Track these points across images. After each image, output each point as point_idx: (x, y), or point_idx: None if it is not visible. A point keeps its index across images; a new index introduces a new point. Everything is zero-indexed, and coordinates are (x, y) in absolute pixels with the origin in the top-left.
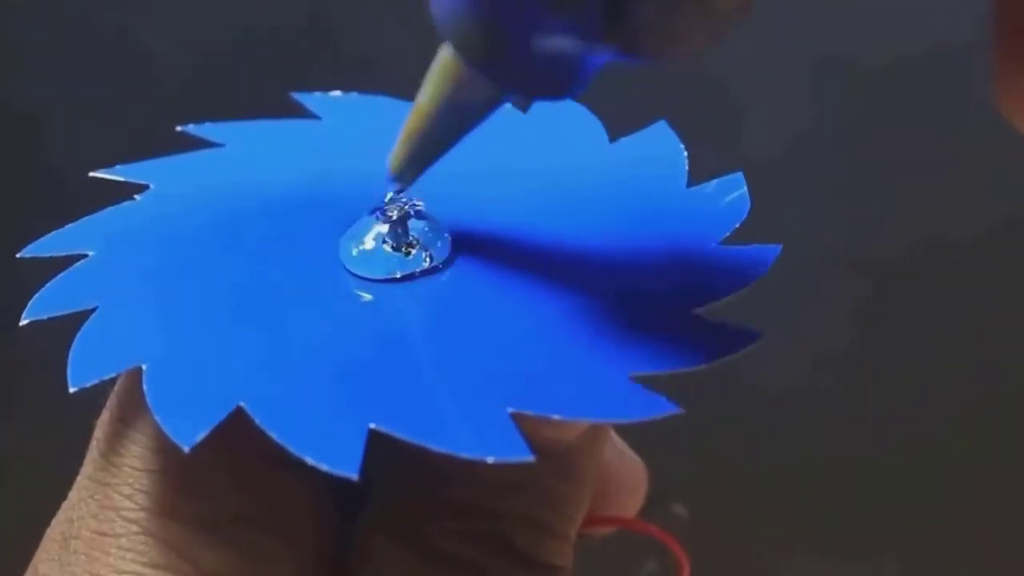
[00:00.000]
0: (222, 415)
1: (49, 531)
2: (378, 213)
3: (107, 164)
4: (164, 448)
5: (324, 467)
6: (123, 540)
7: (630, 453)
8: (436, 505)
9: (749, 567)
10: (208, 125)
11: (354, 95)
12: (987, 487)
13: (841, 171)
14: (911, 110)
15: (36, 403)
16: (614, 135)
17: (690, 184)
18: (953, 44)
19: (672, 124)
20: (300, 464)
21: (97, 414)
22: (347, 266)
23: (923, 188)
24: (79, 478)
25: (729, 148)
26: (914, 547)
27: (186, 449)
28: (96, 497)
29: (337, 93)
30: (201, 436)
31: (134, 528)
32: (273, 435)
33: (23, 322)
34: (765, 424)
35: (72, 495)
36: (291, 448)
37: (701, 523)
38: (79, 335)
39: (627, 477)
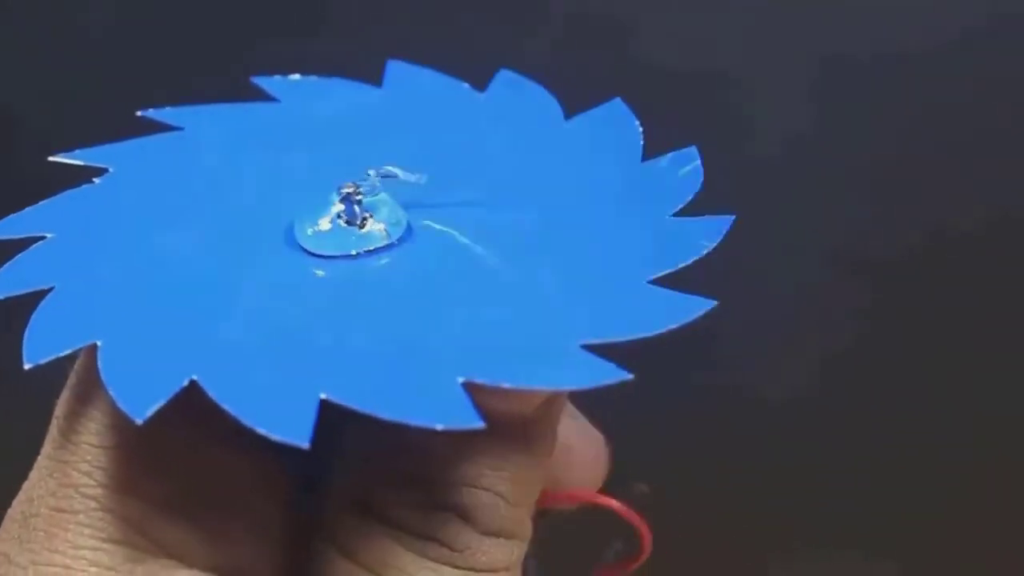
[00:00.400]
0: (175, 388)
1: (10, 511)
2: (335, 192)
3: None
4: (121, 425)
5: (276, 437)
6: (81, 516)
7: (592, 429)
8: (393, 477)
9: (721, 551)
10: (168, 109)
11: (312, 78)
12: (988, 487)
13: (841, 170)
14: (912, 108)
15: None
16: None
17: (645, 159)
18: (954, 42)
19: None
20: (256, 437)
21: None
22: (303, 244)
23: (923, 187)
24: (39, 458)
25: (728, 147)
26: (904, 540)
27: (139, 422)
28: (55, 475)
29: (296, 76)
30: (154, 409)
31: (92, 504)
32: (225, 407)
33: None
34: (748, 416)
35: (32, 475)
36: (243, 419)
37: (667, 505)
38: (35, 313)
39: (588, 452)
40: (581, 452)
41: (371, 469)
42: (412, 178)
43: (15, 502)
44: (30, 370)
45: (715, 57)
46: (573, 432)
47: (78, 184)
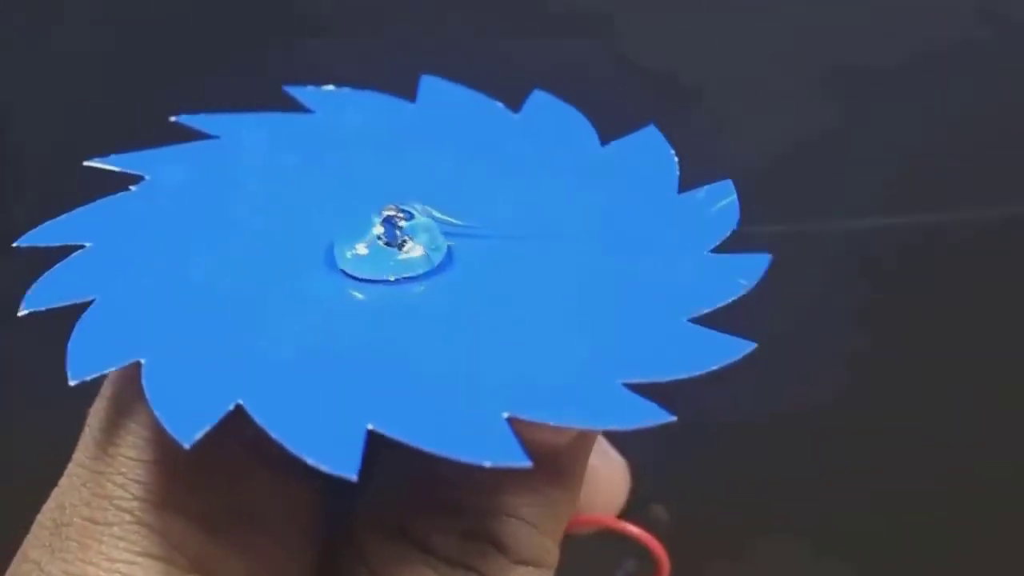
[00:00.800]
0: (221, 413)
1: (40, 517)
2: (375, 213)
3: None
4: (159, 439)
5: (324, 468)
6: (115, 529)
7: (614, 454)
8: (429, 503)
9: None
10: (202, 116)
11: (346, 90)
12: (992, 497)
13: (841, 176)
14: (914, 113)
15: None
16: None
17: (681, 190)
18: (956, 45)
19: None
20: (297, 462)
21: (77, 402)
22: (343, 267)
23: (925, 192)
24: (70, 465)
25: (726, 152)
26: (906, 551)
27: (186, 447)
28: (88, 485)
29: (330, 87)
30: (201, 434)
31: (127, 517)
32: (272, 434)
33: (22, 313)
34: (764, 433)
35: (63, 481)
36: (290, 447)
37: (682, 525)
38: (77, 327)
39: (611, 477)
40: (604, 476)
41: (408, 495)
42: (454, 221)
43: (45, 508)
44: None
45: (714, 61)
46: (597, 456)
47: (84, 184)
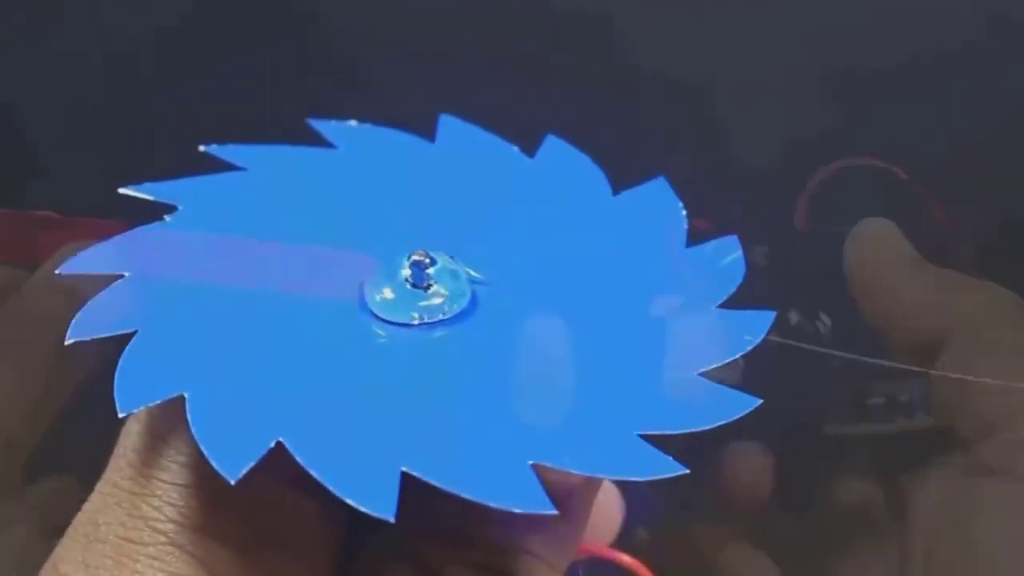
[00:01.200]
0: (264, 449)
1: (71, 530)
2: (405, 256)
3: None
4: (195, 464)
5: (363, 508)
6: (151, 549)
7: (610, 484)
8: (445, 535)
9: None
10: (230, 147)
11: (368, 126)
12: None
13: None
14: (914, 117)
15: None
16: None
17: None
18: (955, 49)
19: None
20: (324, 490)
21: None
22: (372, 307)
23: (923, 197)
24: (102, 483)
25: (725, 155)
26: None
27: (232, 482)
28: (123, 505)
29: (352, 123)
30: (246, 470)
31: (162, 539)
32: (313, 472)
33: (68, 342)
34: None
35: (95, 498)
36: (330, 487)
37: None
38: (123, 359)
39: (609, 507)
40: (604, 507)
41: (425, 525)
42: (474, 274)
43: (76, 522)
44: None
45: (714, 61)
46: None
47: (84, 185)
